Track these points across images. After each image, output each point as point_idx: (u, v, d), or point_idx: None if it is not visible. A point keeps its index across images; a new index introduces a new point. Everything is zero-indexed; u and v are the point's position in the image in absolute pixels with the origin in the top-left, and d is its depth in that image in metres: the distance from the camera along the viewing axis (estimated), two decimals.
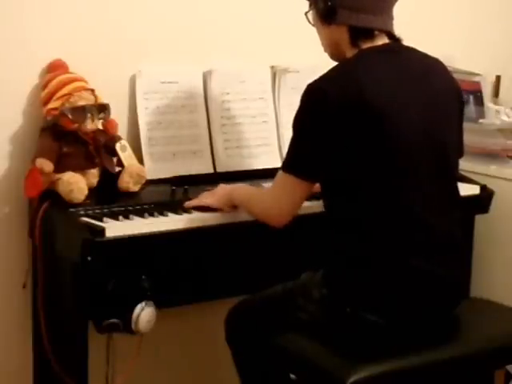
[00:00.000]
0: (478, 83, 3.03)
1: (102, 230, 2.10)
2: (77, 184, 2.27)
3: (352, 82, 2.04)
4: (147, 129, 2.55)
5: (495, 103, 3.16)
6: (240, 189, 2.34)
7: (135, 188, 2.43)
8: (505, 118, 3.05)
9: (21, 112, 2.43)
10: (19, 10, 2.39)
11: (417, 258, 2.08)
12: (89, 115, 2.34)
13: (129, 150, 2.46)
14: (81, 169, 2.36)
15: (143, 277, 2.26)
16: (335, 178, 2.09)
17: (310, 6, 2.23)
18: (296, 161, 2.11)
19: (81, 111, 2.33)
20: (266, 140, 2.74)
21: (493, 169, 2.95)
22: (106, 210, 2.25)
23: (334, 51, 2.20)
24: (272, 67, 2.78)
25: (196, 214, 2.29)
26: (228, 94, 2.69)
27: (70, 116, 2.32)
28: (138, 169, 2.44)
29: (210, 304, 2.70)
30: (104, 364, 2.38)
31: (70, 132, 2.35)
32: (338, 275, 2.14)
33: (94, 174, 2.39)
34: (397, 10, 2.17)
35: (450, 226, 2.16)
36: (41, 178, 2.28)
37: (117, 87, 2.53)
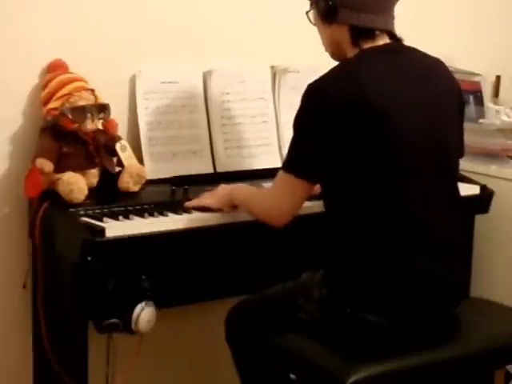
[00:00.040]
0: (478, 83, 3.03)
1: (101, 230, 2.10)
2: (77, 184, 2.27)
3: (353, 81, 2.04)
4: (147, 129, 2.55)
5: (495, 103, 3.16)
6: (240, 189, 2.34)
7: (135, 188, 2.43)
8: (505, 117, 3.05)
9: (21, 112, 2.43)
10: (19, 9, 2.39)
11: (417, 258, 2.08)
12: (89, 115, 2.34)
13: (129, 150, 2.46)
14: (81, 169, 2.36)
15: (143, 277, 2.26)
16: (336, 178, 2.09)
17: (311, 5, 2.22)
18: (296, 161, 2.10)
19: (81, 111, 2.33)
20: (266, 140, 2.74)
21: (493, 169, 2.95)
22: (106, 210, 2.25)
23: (334, 51, 2.20)
24: (272, 67, 2.78)
25: (196, 214, 2.29)
26: (228, 94, 2.69)
27: (70, 116, 2.32)
28: (137, 169, 2.44)
29: (210, 304, 2.70)
30: (104, 364, 2.38)
31: (69, 132, 2.35)
32: (338, 275, 2.14)
33: (94, 174, 2.39)
34: (397, 10, 2.17)
35: (450, 226, 2.16)
36: (41, 178, 2.28)
37: (117, 87, 2.53)
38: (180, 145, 2.60)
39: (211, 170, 2.64)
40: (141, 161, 2.51)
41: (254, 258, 2.58)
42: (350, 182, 2.07)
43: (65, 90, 2.34)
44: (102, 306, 2.22)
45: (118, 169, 2.45)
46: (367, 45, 2.12)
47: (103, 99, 2.41)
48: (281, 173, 2.14)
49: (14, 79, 2.39)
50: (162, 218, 2.24)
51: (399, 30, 2.17)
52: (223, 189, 2.34)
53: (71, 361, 2.27)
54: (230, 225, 2.30)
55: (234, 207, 2.29)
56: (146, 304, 2.23)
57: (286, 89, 2.77)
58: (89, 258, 2.08)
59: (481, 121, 3.02)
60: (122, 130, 2.51)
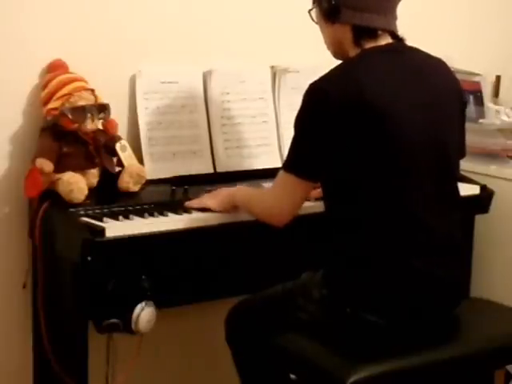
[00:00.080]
0: (478, 83, 3.03)
1: (102, 230, 2.10)
2: (77, 184, 2.27)
3: (353, 82, 2.03)
4: (147, 129, 2.55)
5: (495, 103, 3.16)
6: (241, 190, 2.34)
7: (135, 188, 2.43)
8: (505, 117, 3.05)
9: (21, 112, 2.43)
10: (19, 9, 2.39)
11: (416, 258, 2.08)
12: (89, 115, 2.34)
13: (129, 150, 2.46)
14: (81, 169, 2.36)
15: (143, 277, 2.26)
16: (336, 178, 2.09)
17: (314, 3, 2.22)
18: (297, 160, 2.10)
19: (81, 111, 2.33)
20: (266, 140, 2.74)
21: (493, 169, 2.95)
22: (106, 210, 2.26)
23: (336, 50, 2.20)
24: (272, 67, 2.78)
25: (196, 214, 2.29)
26: (228, 93, 2.69)
27: (70, 116, 2.32)
28: (137, 169, 2.44)
29: (210, 304, 2.70)
30: (104, 364, 2.38)
31: (70, 132, 2.35)
32: (338, 275, 2.14)
33: (94, 174, 2.39)
34: (397, 11, 2.17)
35: (450, 227, 2.15)
36: (41, 178, 2.28)
37: (117, 87, 2.53)
38: (180, 145, 2.60)
39: (211, 170, 2.64)
40: (141, 161, 2.51)
41: (254, 258, 2.58)
42: (349, 181, 2.07)
43: (65, 90, 2.34)
44: (102, 306, 2.22)
45: (118, 169, 2.45)
46: (369, 44, 2.12)
47: (103, 99, 2.41)
48: (281, 172, 2.14)
49: (13, 79, 2.39)
50: (161, 218, 2.24)
51: (399, 31, 2.17)
52: (224, 190, 2.34)
53: (71, 361, 2.27)
54: (229, 225, 2.30)
55: (235, 209, 2.29)
56: (145, 304, 2.23)
57: (285, 89, 2.77)
58: (89, 258, 2.08)
59: (481, 121, 3.02)
60: (122, 130, 2.51)
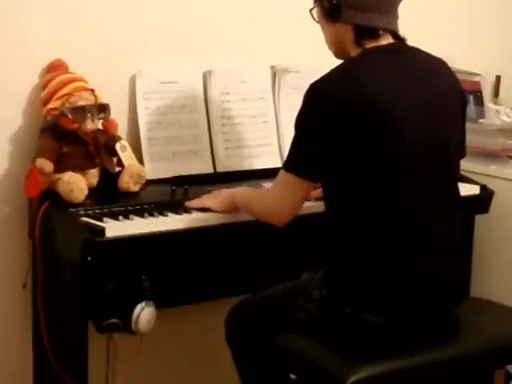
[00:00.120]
0: (478, 83, 3.03)
1: (102, 230, 2.10)
2: (77, 184, 2.27)
3: (353, 81, 2.03)
4: (147, 129, 2.55)
5: (495, 103, 3.16)
6: (241, 190, 2.34)
7: (135, 188, 2.43)
8: (505, 117, 3.05)
9: (21, 112, 2.43)
10: (19, 9, 2.39)
11: (417, 258, 2.08)
12: (89, 115, 2.34)
13: (129, 150, 2.46)
14: (81, 169, 2.36)
15: (143, 277, 2.26)
16: (337, 178, 2.09)
17: (315, 2, 2.22)
18: (297, 160, 2.10)
19: (81, 111, 2.33)
20: (266, 140, 2.74)
21: (493, 169, 2.95)
22: (106, 210, 2.26)
23: (338, 49, 2.20)
24: (272, 67, 2.78)
25: (196, 214, 2.29)
26: (228, 93, 2.69)
27: (70, 116, 2.32)
28: (137, 169, 2.44)
29: (210, 304, 2.70)
30: (104, 364, 2.38)
31: (70, 132, 2.35)
32: (338, 275, 2.14)
33: (94, 174, 2.39)
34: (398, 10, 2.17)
35: (450, 227, 2.15)
36: (41, 178, 2.28)
37: (117, 87, 2.53)
38: (180, 145, 2.60)
39: (211, 170, 2.64)
40: (141, 161, 2.51)
41: (254, 258, 2.58)
42: (350, 181, 2.07)
43: (65, 90, 2.34)
44: (102, 306, 2.22)
45: (118, 169, 2.45)
46: (370, 44, 2.12)
47: (103, 99, 2.41)
48: (282, 172, 2.14)
49: (13, 79, 2.39)
50: (161, 218, 2.24)
51: (400, 30, 2.17)
52: (224, 191, 2.34)
53: (71, 361, 2.27)
54: (229, 225, 2.30)
55: (236, 209, 2.29)
56: (146, 304, 2.23)
57: (285, 89, 2.77)
58: (89, 258, 2.08)
59: (481, 121, 3.02)
60: (122, 130, 2.51)
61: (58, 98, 2.33)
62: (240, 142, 2.68)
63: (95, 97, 2.39)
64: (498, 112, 3.05)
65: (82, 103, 2.35)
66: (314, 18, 2.23)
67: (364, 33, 2.12)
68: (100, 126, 2.42)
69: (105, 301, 2.22)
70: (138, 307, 2.22)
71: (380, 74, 2.07)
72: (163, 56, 2.62)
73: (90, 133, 2.37)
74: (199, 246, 2.31)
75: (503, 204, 2.84)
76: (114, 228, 2.13)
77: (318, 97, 2.05)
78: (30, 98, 2.43)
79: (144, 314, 2.22)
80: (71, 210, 2.24)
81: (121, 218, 2.20)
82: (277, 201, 2.16)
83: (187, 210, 2.30)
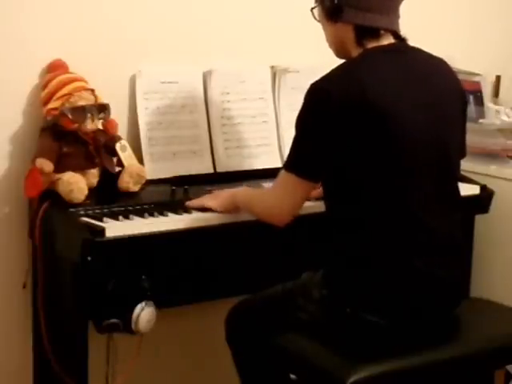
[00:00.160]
0: (478, 83, 3.03)
1: (102, 230, 2.10)
2: (77, 184, 2.27)
3: (355, 81, 2.03)
4: (147, 129, 2.55)
5: (495, 103, 3.16)
6: (242, 190, 2.34)
7: (135, 188, 2.43)
8: (505, 117, 3.05)
9: (21, 112, 2.43)
10: (19, 9, 2.39)
11: (417, 259, 2.08)
12: (89, 115, 2.34)
13: (129, 150, 2.46)
14: (81, 169, 2.36)
15: (143, 277, 2.26)
16: (337, 178, 2.09)
17: (316, 2, 2.21)
18: (298, 160, 2.10)
19: (81, 111, 2.33)
20: (266, 140, 2.74)
21: (493, 169, 2.95)
22: (106, 210, 2.26)
23: (339, 49, 2.19)
24: (272, 67, 2.78)
25: (196, 214, 2.29)
26: (228, 93, 2.69)
27: (70, 116, 2.32)
28: (137, 169, 2.44)
29: (211, 304, 2.70)
30: (104, 364, 2.38)
31: (70, 132, 2.35)
32: (338, 275, 2.14)
33: (94, 174, 2.39)
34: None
35: (450, 227, 2.15)
36: (41, 178, 2.28)
37: (117, 87, 2.53)
38: (180, 145, 2.60)
39: (211, 170, 2.64)
40: (141, 161, 2.51)
41: (254, 258, 2.58)
42: (351, 181, 2.07)
43: (65, 90, 2.34)
44: (102, 306, 2.22)
45: (118, 169, 2.45)
46: (371, 44, 2.11)
47: (103, 99, 2.41)
48: (282, 172, 2.14)
49: (13, 79, 2.39)
50: (162, 218, 2.24)
51: (400, 30, 2.17)
52: (225, 191, 2.34)
53: (71, 361, 2.27)
54: (229, 225, 2.30)
55: (236, 209, 2.29)
56: (146, 304, 2.23)
57: (286, 89, 2.77)
58: (89, 258, 2.08)
59: (481, 121, 3.02)
60: (122, 130, 2.51)
61: (57, 98, 2.33)
62: (240, 142, 2.68)
63: (95, 97, 2.39)
64: (498, 112, 3.05)
65: (81, 103, 2.35)
66: (315, 17, 2.23)
67: (365, 33, 2.11)
68: (100, 126, 2.42)
69: (105, 301, 2.22)
70: (138, 307, 2.22)
71: (381, 74, 2.07)
72: (163, 56, 2.62)
73: (89, 133, 2.37)
74: (199, 245, 2.31)
75: (503, 204, 2.84)
76: (114, 228, 2.13)
77: (319, 97, 2.05)
78: (29, 98, 2.43)
79: (144, 314, 2.22)
80: (71, 209, 2.24)
81: (121, 217, 2.20)
82: (277, 201, 2.16)
83: (187, 210, 2.30)
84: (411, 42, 2.19)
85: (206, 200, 2.33)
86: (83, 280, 2.16)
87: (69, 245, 2.18)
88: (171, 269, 2.45)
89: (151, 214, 2.24)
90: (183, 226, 2.24)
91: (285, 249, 2.50)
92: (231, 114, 2.68)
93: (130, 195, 2.41)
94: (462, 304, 2.21)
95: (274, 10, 2.79)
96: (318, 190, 2.25)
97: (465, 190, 2.53)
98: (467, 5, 3.30)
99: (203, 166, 2.62)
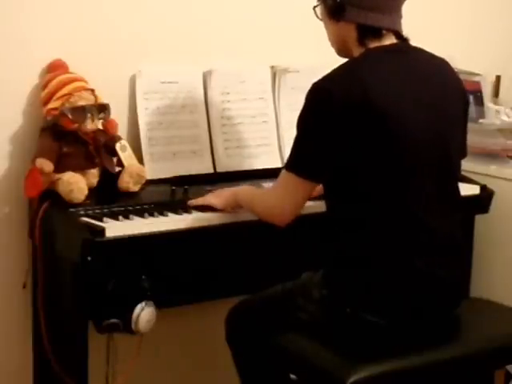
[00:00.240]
0: (478, 83, 3.03)
1: (102, 230, 2.10)
2: (77, 184, 2.27)
3: (357, 81, 2.03)
4: (147, 129, 2.55)
5: (495, 103, 3.16)
6: (244, 189, 2.34)
7: (135, 188, 2.43)
8: (505, 117, 3.05)
9: (21, 112, 2.43)
10: (19, 9, 2.39)
11: (418, 259, 2.08)
12: (89, 115, 2.34)
13: (129, 150, 2.46)
14: (81, 169, 2.36)
15: (143, 277, 2.26)
16: (338, 177, 2.09)
17: (319, 0, 2.21)
18: (299, 160, 2.10)
19: (81, 111, 2.33)
20: (266, 140, 2.74)
21: (493, 169, 2.95)
22: (106, 210, 2.25)
23: (340, 47, 2.19)
24: (272, 67, 2.78)
25: (196, 214, 2.29)
26: (228, 93, 2.69)
27: (70, 116, 2.32)
28: (137, 169, 2.44)
29: (211, 304, 2.70)
30: (104, 364, 2.38)
31: (70, 132, 2.35)
32: (338, 275, 2.14)
33: (94, 174, 2.39)
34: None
35: (451, 227, 2.15)
36: (41, 178, 2.28)
37: (117, 87, 2.53)
38: (180, 145, 2.60)
39: (211, 170, 2.64)
40: (141, 161, 2.51)
41: (254, 258, 2.58)
42: (352, 181, 2.07)
43: (65, 90, 2.34)
44: (102, 306, 2.22)
45: (118, 169, 2.45)
46: (373, 44, 2.11)
47: (103, 99, 2.41)
48: (283, 172, 2.13)
49: (13, 79, 2.40)
50: (162, 218, 2.24)
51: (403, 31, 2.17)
52: (228, 190, 2.34)
53: (71, 361, 2.27)
54: (229, 225, 2.30)
55: (239, 207, 2.29)
56: (146, 304, 2.23)
57: (286, 89, 2.77)
58: (89, 258, 2.08)
59: (481, 121, 3.02)
60: (122, 130, 2.51)
61: (58, 98, 2.33)
62: (240, 142, 2.68)
63: (95, 97, 2.39)
64: (498, 112, 3.05)
65: (81, 103, 2.35)
66: (317, 16, 2.23)
67: (367, 32, 2.11)
68: (100, 126, 2.42)
69: (105, 301, 2.22)
70: (138, 307, 2.22)
71: (383, 73, 2.07)
72: (163, 56, 2.62)
73: (90, 133, 2.37)
74: (199, 245, 2.31)
75: (503, 204, 2.84)
76: (114, 228, 2.13)
77: (321, 96, 2.04)
78: (30, 97, 2.43)
79: (144, 314, 2.22)
80: (71, 209, 2.24)
81: (121, 218, 2.20)
82: (278, 201, 2.16)
83: (187, 210, 2.30)
84: (412, 42, 2.19)
85: (209, 198, 2.33)
86: (83, 280, 2.15)
87: (69, 245, 2.18)
88: (171, 269, 2.45)
89: (151, 214, 2.24)
90: (183, 226, 2.24)
91: (285, 249, 2.50)
92: (231, 114, 2.68)
93: (130, 195, 2.41)
94: (462, 304, 2.20)
95: (274, 10, 2.79)
96: (317, 189, 2.25)
97: (465, 190, 2.53)
98: (468, 5, 3.30)
99: (203, 166, 2.62)
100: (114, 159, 2.45)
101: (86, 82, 2.40)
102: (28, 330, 2.48)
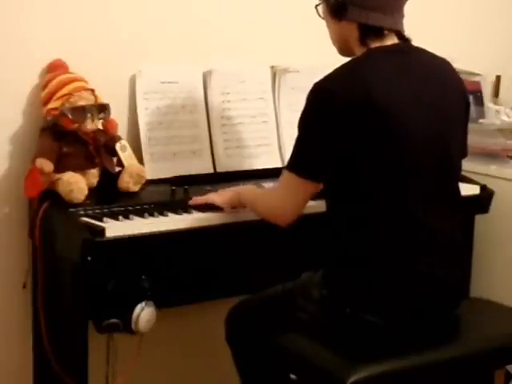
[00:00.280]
0: (478, 83, 3.03)
1: (102, 230, 2.10)
2: (77, 184, 2.27)
3: (359, 81, 2.02)
4: (147, 129, 2.55)
5: (495, 103, 3.16)
6: (247, 189, 2.34)
7: (135, 188, 2.43)
8: (505, 117, 3.05)
9: (21, 112, 2.43)
10: (19, 9, 2.39)
11: (418, 259, 2.08)
12: (89, 115, 2.34)
13: (129, 150, 2.46)
14: (81, 169, 2.36)
15: (143, 277, 2.26)
16: (339, 177, 2.08)
17: None
18: (300, 160, 2.10)
19: (81, 111, 2.33)
20: (266, 140, 2.74)
21: (493, 169, 2.95)
22: (106, 210, 2.25)
23: (342, 46, 2.19)
24: (272, 67, 2.78)
25: (196, 214, 2.29)
26: (228, 93, 2.69)
27: (70, 116, 2.32)
28: (137, 169, 2.44)
29: (211, 304, 2.70)
30: (104, 364, 2.38)
31: (70, 132, 2.35)
32: (338, 275, 2.14)
33: (94, 174, 2.39)
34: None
35: (451, 227, 2.15)
36: (41, 178, 2.28)
37: (117, 87, 2.53)
38: (180, 145, 2.60)
39: (211, 170, 2.64)
40: (141, 161, 2.51)
41: (254, 258, 2.58)
42: (353, 181, 2.07)
43: (65, 90, 2.34)
44: (102, 306, 2.22)
45: (118, 169, 2.45)
46: (375, 44, 2.11)
47: (103, 99, 2.41)
48: (285, 172, 2.13)
49: (13, 79, 2.40)
50: (162, 218, 2.24)
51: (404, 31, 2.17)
52: (231, 189, 2.34)
53: (71, 361, 2.27)
54: (229, 225, 2.30)
55: (242, 207, 2.29)
56: (145, 304, 2.23)
57: (286, 89, 2.77)
58: (89, 258, 2.08)
59: (481, 121, 3.02)
60: (122, 130, 2.51)
61: (58, 98, 2.33)
62: (240, 142, 2.68)
63: (95, 97, 2.39)
64: (498, 112, 3.05)
65: (82, 103, 2.35)
66: (319, 15, 2.22)
67: (369, 32, 2.11)
68: (100, 126, 2.42)
69: (105, 301, 2.22)
70: (138, 307, 2.22)
71: (385, 73, 2.06)
72: (163, 56, 2.62)
73: (90, 133, 2.37)
74: (199, 245, 2.31)
75: (503, 204, 2.84)
76: (114, 228, 2.13)
77: (323, 96, 2.04)
78: (30, 97, 2.43)
79: (144, 314, 2.22)
80: (71, 210, 2.24)
81: (121, 218, 2.20)
82: (280, 201, 2.16)
83: (187, 210, 2.30)
84: (412, 42, 2.19)
85: (212, 196, 2.33)
86: (83, 280, 2.16)
87: (69, 245, 2.18)
88: (171, 269, 2.45)
89: (151, 214, 2.24)
90: (183, 226, 2.24)
91: (285, 249, 2.50)
92: (231, 114, 2.68)
93: (130, 195, 2.41)
94: (462, 304, 2.20)
95: (274, 10, 2.79)
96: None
97: (465, 190, 2.52)
98: (468, 5, 3.30)
99: (203, 166, 2.62)
100: (114, 159, 2.45)
101: (86, 82, 2.40)
102: (28, 330, 2.48)
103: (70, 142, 2.35)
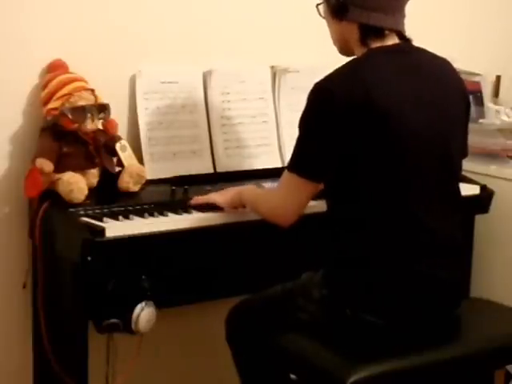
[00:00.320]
0: (478, 83, 3.03)
1: (102, 230, 2.10)
2: (77, 184, 2.27)
3: (359, 82, 2.02)
4: (147, 129, 2.55)
5: (495, 103, 3.16)
6: (248, 189, 2.34)
7: (135, 188, 2.43)
8: (505, 117, 3.05)
9: (21, 112, 2.43)
10: (19, 9, 2.39)
11: (418, 260, 2.08)
12: (89, 115, 2.34)
13: (129, 150, 2.46)
14: (81, 169, 2.36)
15: (143, 277, 2.26)
16: (340, 177, 2.08)
17: None
18: (301, 161, 2.10)
19: (81, 111, 2.33)
20: (266, 140, 2.74)
21: (493, 169, 2.95)
22: (106, 210, 2.25)
23: (342, 46, 2.19)
24: (272, 67, 2.78)
25: (196, 214, 2.29)
26: (228, 93, 2.69)
27: (70, 116, 2.32)
28: (137, 169, 2.44)
29: (211, 304, 2.70)
30: (104, 364, 2.38)
31: (70, 132, 2.35)
32: (338, 275, 2.14)
33: (94, 174, 2.39)
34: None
35: (452, 228, 2.15)
36: (41, 178, 2.28)
37: (117, 87, 2.53)
38: (180, 145, 2.60)
39: (211, 170, 2.64)
40: (141, 161, 2.51)
41: (254, 258, 2.58)
42: (353, 181, 2.07)
43: (65, 90, 2.34)
44: (101, 306, 2.22)
45: (118, 169, 2.45)
46: (376, 44, 2.11)
47: (103, 99, 2.41)
48: (286, 173, 2.13)
49: (13, 79, 2.40)
50: (162, 218, 2.24)
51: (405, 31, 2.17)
52: (233, 189, 2.34)
53: (71, 361, 2.27)
54: (229, 225, 2.30)
55: (243, 207, 2.29)
56: (145, 304, 2.23)
57: (286, 89, 2.77)
58: (89, 258, 2.08)
59: (481, 121, 3.02)
60: (122, 130, 2.51)
61: (58, 98, 2.33)
62: (240, 142, 2.68)
63: (95, 97, 2.39)
64: (498, 112, 3.05)
65: (82, 103, 2.35)
66: (320, 14, 2.22)
67: (369, 32, 2.11)
68: (100, 126, 2.42)
69: (105, 301, 2.22)
70: (138, 307, 2.22)
71: (385, 74, 2.06)
72: (163, 56, 2.62)
73: (90, 133, 2.37)
74: (199, 245, 2.31)
75: (503, 204, 2.84)
76: (114, 228, 2.13)
77: (323, 96, 2.04)
78: (30, 98, 2.43)
79: (144, 314, 2.22)
80: (71, 210, 2.24)
81: (121, 218, 2.20)
82: (281, 201, 2.16)
83: (187, 210, 2.30)
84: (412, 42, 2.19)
85: (214, 196, 2.32)
86: (83, 280, 2.16)
87: (69, 245, 2.18)
88: (171, 269, 2.45)
89: (151, 214, 2.24)
90: (183, 226, 2.24)
91: (285, 249, 2.50)
92: (231, 114, 2.68)
93: (130, 195, 2.41)
94: (462, 304, 2.20)
95: (273, 10, 2.79)
96: None
97: (465, 190, 2.52)
98: (467, 5, 3.30)
99: (203, 166, 2.62)
100: (114, 159, 2.45)
101: (86, 82, 2.40)
102: (28, 330, 2.48)
103: (70, 142, 2.35)
